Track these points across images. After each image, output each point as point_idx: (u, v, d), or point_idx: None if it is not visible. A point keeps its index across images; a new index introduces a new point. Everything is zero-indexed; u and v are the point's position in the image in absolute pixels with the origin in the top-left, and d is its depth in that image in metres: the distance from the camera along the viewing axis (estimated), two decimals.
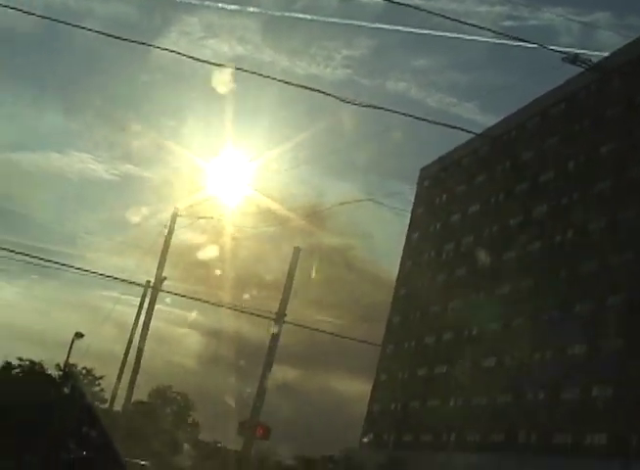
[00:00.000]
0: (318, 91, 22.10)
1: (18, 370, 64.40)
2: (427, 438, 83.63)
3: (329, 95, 21.61)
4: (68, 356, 63.33)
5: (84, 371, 67.36)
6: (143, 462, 45.76)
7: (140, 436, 47.22)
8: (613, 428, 59.85)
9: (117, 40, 20.70)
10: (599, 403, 62.47)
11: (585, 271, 69.25)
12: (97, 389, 67.77)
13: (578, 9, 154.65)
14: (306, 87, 21.90)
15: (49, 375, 65.38)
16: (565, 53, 29.96)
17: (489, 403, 75.50)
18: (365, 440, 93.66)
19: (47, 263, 48.78)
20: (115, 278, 45.52)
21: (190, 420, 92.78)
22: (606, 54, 70.54)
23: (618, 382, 61.09)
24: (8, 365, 63.92)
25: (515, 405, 71.83)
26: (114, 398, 52.29)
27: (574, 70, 51.84)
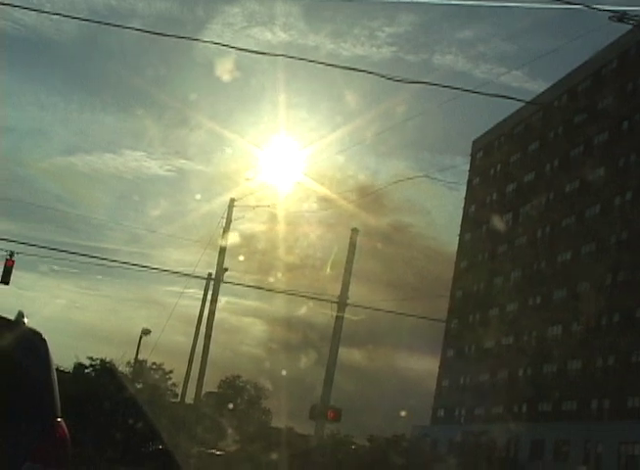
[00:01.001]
0: (363, 71, 21.98)
1: (89, 369, 65.27)
2: (498, 410, 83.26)
3: (373, 74, 21.48)
4: (137, 353, 64.21)
5: (154, 366, 68.13)
6: (219, 452, 46.19)
7: (213, 427, 47.64)
8: None
9: (163, 37, 20.80)
10: None
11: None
12: (168, 383, 68.53)
13: None
14: (351, 68, 21.86)
15: (120, 372, 66.26)
16: (612, 11, 29.31)
17: (560, 372, 74.84)
18: (436, 416, 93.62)
19: (110, 263, 49.46)
20: (177, 272, 46.01)
21: (261, 408, 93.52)
22: None
23: None
24: (80, 366, 64.83)
25: (584, 372, 71.14)
26: (185, 391, 52.86)
27: (623, 29, 50.78)
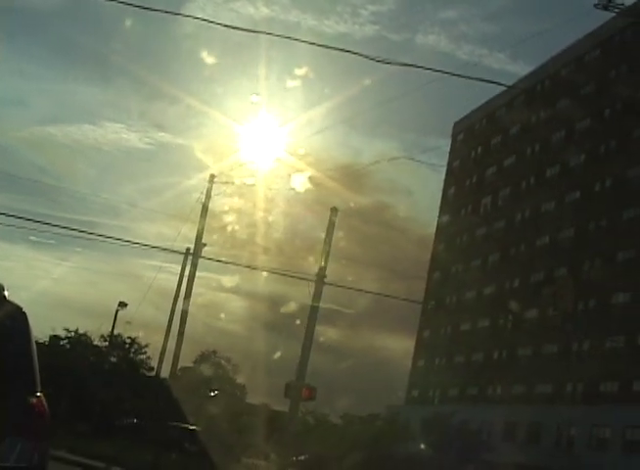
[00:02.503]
0: (347, 51, 21.95)
1: (65, 341, 65.21)
2: (472, 391, 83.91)
3: (357, 54, 21.45)
4: (113, 326, 64.15)
5: (129, 340, 68.05)
6: (192, 427, 46.30)
7: (187, 402, 47.71)
8: None
9: (145, 10, 20.63)
10: None
11: (626, 219, 68.65)
12: (144, 357, 68.50)
13: None
14: (335, 48, 21.77)
15: (95, 345, 66.24)
16: None
17: (535, 354, 75.43)
18: (410, 396, 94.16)
19: (89, 236, 49.23)
20: (156, 247, 45.94)
21: (236, 384, 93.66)
22: None
23: None
24: (55, 337, 64.72)
25: (559, 356, 71.75)
26: (160, 365, 52.83)
27: (607, 16, 50.87)
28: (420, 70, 22.27)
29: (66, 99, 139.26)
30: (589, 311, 69.77)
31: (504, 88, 76.52)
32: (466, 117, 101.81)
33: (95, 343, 65.95)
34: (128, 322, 64.57)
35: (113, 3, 18.70)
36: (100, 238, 50.09)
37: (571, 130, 79.59)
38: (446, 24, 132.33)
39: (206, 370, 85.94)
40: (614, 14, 38.45)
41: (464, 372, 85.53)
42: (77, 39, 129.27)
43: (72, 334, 65.52)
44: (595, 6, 30.88)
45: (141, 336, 68.36)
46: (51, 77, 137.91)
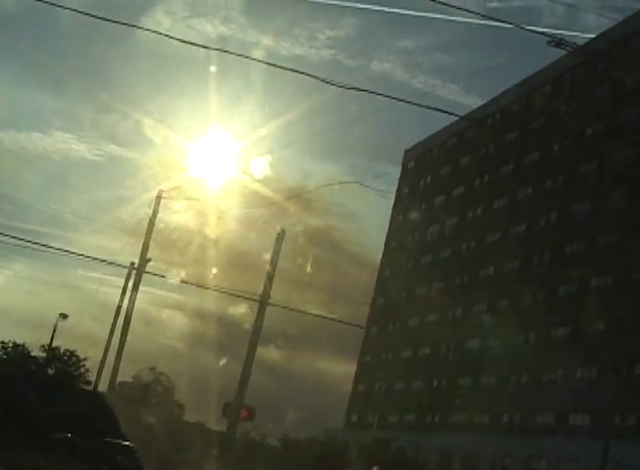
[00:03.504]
0: (302, 73, 22.03)
1: (0, 352, 64.07)
2: (410, 418, 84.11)
3: (312, 76, 21.56)
4: (52, 338, 63.30)
5: (68, 353, 67.08)
6: (126, 443, 45.72)
7: (124, 417, 47.14)
8: (595, 409, 60.34)
9: (102, 21, 20.57)
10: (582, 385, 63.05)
11: (569, 253, 69.59)
12: (82, 370, 67.55)
13: None
14: (290, 69, 21.84)
15: (33, 356, 65.17)
16: (549, 35, 29.90)
17: (474, 384, 75.91)
18: (349, 420, 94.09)
19: (31, 245, 48.67)
20: (100, 259, 45.52)
21: (174, 401, 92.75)
22: (591, 36, 70.60)
23: (600, 364, 61.66)
24: None
25: (498, 386, 72.29)
26: (98, 379, 52.28)
27: (560, 52, 51.80)
28: (374, 96, 22.42)
29: (15, 105, 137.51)
30: (529, 343, 70.47)
31: (455, 119, 77.33)
32: (417, 145, 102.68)
33: (33, 354, 64.92)
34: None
35: (69, 11, 18.61)
36: (42, 248, 49.51)
37: (519, 163, 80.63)
38: (402, 53, 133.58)
39: (145, 386, 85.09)
40: (565, 52, 39.10)
41: (403, 399, 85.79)
42: (31, 46, 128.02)
43: (10, 344, 64.42)
44: (548, 43, 31.36)
45: (80, 349, 67.49)
46: (1, 82, 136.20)
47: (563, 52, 43.59)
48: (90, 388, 57.86)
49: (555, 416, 65.10)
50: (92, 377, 60.33)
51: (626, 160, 65.82)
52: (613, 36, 66.02)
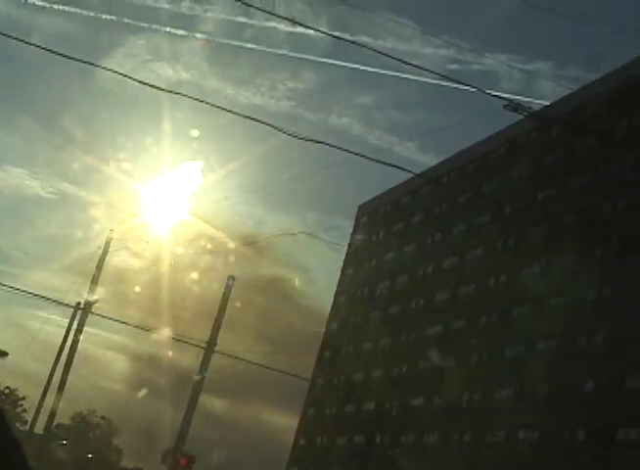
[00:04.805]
0: (261, 122, 22.12)
1: None
2: None
3: (271, 126, 21.64)
4: None
5: (7, 391, 65.86)
6: None
7: (60, 461, 46.23)
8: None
9: (62, 58, 20.52)
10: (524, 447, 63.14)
11: (517, 314, 70.09)
12: (19, 410, 66.34)
13: (521, 56, 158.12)
14: (249, 117, 21.91)
15: None
16: (505, 99, 30.49)
17: (417, 442, 75.66)
18: None
19: None
20: (45, 298, 44.90)
21: (113, 446, 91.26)
22: (547, 102, 72.01)
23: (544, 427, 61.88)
24: None
25: (442, 445, 72.13)
26: (35, 420, 51.22)
27: (516, 116, 52.75)
28: (331, 149, 22.58)
29: None
30: (473, 402, 70.56)
31: (410, 176, 78.03)
32: (371, 200, 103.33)
33: None
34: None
35: (29, 46, 18.52)
36: None
37: (470, 224, 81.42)
38: (360, 109, 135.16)
39: (83, 429, 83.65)
40: (521, 116, 39.83)
41: (344, 453, 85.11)
42: None
43: None
44: (504, 107, 31.98)
45: (19, 388, 66.35)
46: None
47: (519, 116, 44.46)
48: (26, 428, 56.66)
49: None
50: (29, 417, 59.15)
51: (577, 224, 66.84)
52: (568, 104, 67.39)
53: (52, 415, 43.67)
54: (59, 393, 42.67)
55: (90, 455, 68.58)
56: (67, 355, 44.43)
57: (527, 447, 62.67)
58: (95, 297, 45.48)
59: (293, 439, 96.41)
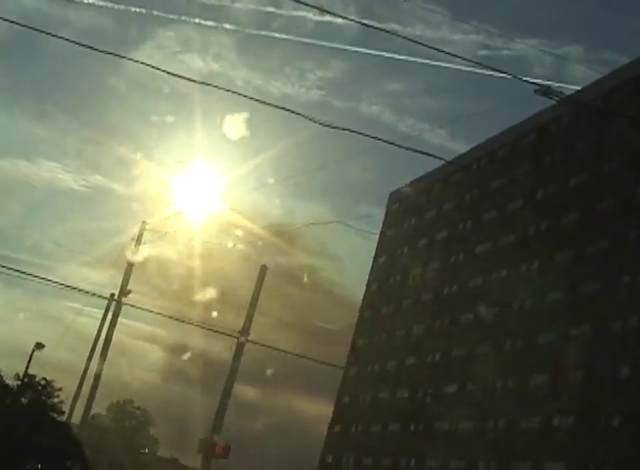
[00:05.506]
0: (288, 110, 22.15)
1: None
2: (386, 462, 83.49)
3: (301, 115, 21.68)
4: (27, 367, 62.68)
5: (43, 382, 66.51)
6: None
7: (97, 449, 46.70)
8: (570, 457, 60.25)
9: (92, 51, 20.67)
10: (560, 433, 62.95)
11: (551, 300, 69.71)
12: (56, 400, 66.97)
13: (553, 41, 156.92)
14: (279, 107, 21.98)
15: (6, 385, 64.61)
16: (537, 84, 30.19)
17: (451, 429, 75.56)
18: (324, 462, 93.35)
19: (11, 272, 48.39)
20: (80, 290, 45.29)
21: (149, 435, 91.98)
22: (578, 87, 71.38)
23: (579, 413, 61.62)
24: None
25: (477, 432, 71.98)
26: (72, 410, 51.78)
27: (546, 102, 52.40)
28: (361, 137, 22.58)
29: (1, 131, 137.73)
30: (508, 389, 70.38)
31: (441, 163, 77.73)
32: (402, 188, 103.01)
33: (7, 382, 64.37)
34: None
35: (58, 39, 18.66)
36: (22, 275, 49.16)
37: (502, 210, 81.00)
38: (390, 96, 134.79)
39: (120, 419, 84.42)
40: (553, 101, 39.47)
41: (380, 441, 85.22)
42: (18, 73, 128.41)
43: None
44: (535, 91, 31.67)
45: (56, 379, 66.97)
46: None
47: (550, 102, 44.08)
48: (63, 418, 57.30)
49: (531, 465, 64.82)
50: (66, 407, 59.77)
51: (610, 210, 66.33)
52: (600, 89, 66.80)
53: (88, 405, 44.13)
54: (94, 383, 43.08)
55: (143, 451, 69.09)
56: (102, 346, 44.85)
57: (562, 434, 62.47)
58: (129, 287, 45.79)
59: (327, 427, 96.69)
